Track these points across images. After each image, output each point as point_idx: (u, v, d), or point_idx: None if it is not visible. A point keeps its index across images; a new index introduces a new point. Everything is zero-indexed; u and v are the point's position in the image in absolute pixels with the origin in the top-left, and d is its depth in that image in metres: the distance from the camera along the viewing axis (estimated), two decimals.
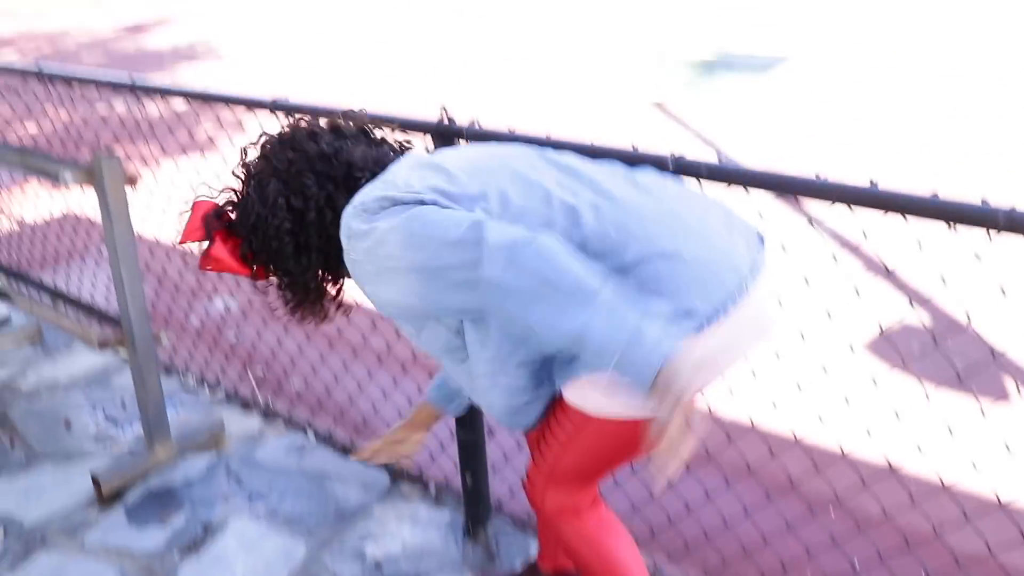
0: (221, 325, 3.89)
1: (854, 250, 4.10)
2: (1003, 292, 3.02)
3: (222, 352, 3.61)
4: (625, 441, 1.55)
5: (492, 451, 2.47)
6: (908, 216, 1.54)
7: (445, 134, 2.07)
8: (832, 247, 4.15)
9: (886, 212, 1.56)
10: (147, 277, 4.31)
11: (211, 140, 6.62)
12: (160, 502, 2.71)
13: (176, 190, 5.11)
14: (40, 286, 3.12)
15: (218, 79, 8.89)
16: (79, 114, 7.30)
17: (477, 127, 2.02)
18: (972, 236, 1.49)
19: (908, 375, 3.13)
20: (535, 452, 1.77)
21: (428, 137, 2.10)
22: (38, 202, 5.53)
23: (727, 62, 8.33)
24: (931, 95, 6.78)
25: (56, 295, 3.19)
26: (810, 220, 4.34)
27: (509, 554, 2.40)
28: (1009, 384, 3.08)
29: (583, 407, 1.53)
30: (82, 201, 5.38)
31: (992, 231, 1.46)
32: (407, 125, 1.99)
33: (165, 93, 2.77)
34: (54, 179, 2.56)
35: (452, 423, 2.38)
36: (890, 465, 2.31)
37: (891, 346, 3.29)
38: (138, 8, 14.49)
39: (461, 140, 2.05)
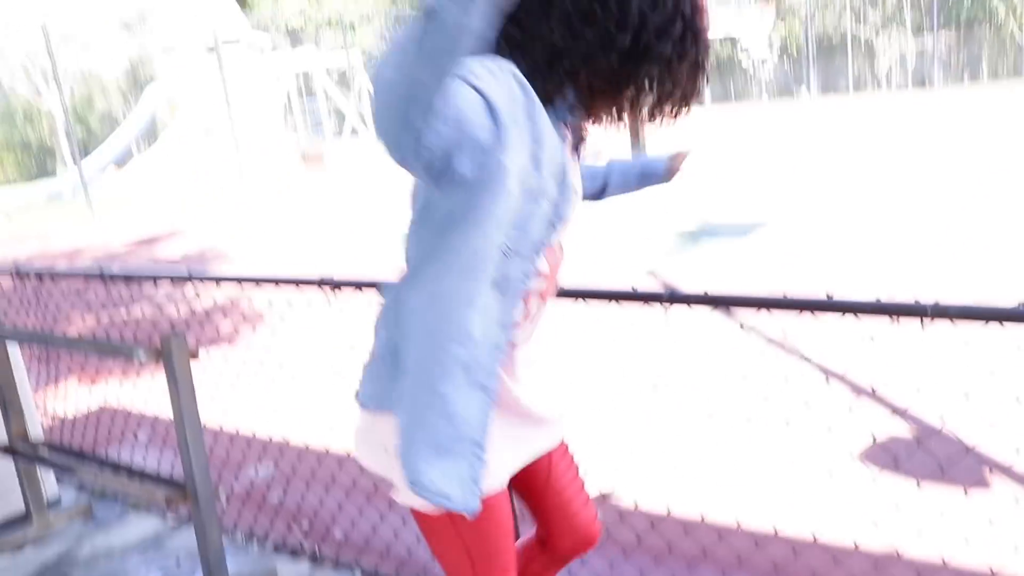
0: (264, 489, 4.16)
1: (841, 376, 4.45)
2: (967, 397, 3.36)
3: (267, 511, 3.86)
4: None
5: None
6: (860, 316, 1.92)
7: None
8: (822, 368, 4.51)
9: (847, 314, 1.94)
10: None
11: (257, 319, 7.05)
12: None
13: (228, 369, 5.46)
14: (102, 461, 3.41)
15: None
16: (135, 310, 7.80)
17: None
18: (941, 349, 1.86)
19: (900, 473, 3.42)
20: (581, 487, 1.88)
21: None
22: (88, 395, 5.87)
23: (709, 230, 8.94)
24: (902, 250, 7.33)
25: (117, 467, 3.47)
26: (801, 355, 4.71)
27: None
28: (985, 471, 3.37)
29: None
30: (119, 393, 5.72)
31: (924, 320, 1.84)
32: None
33: (220, 280, 3.18)
34: (129, 357, 2.92)
35: None
36: (897, 552, 2.57)
37: (882, 451, 3.59)
38: (143, 224, 15.31)
39: None
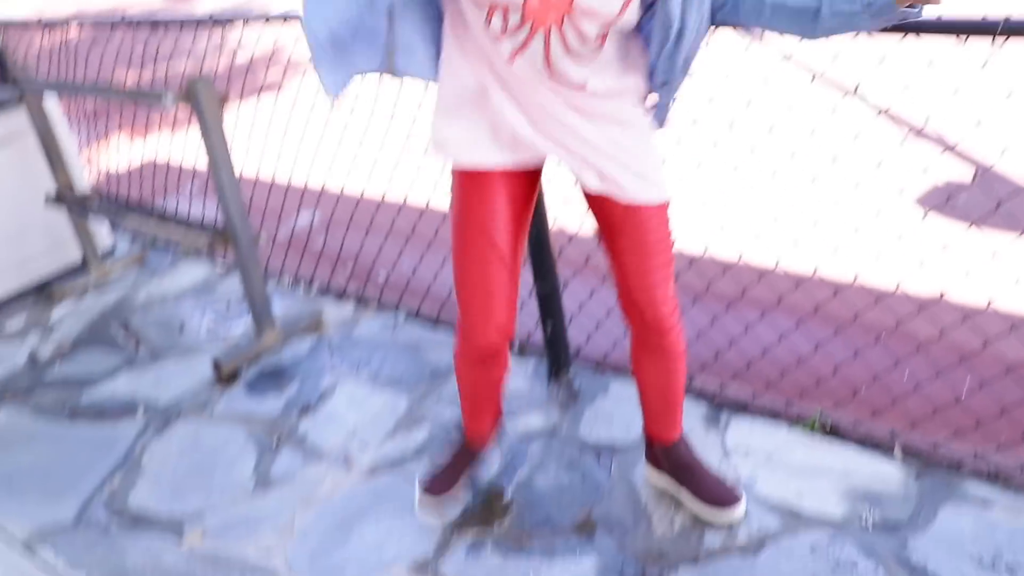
0: (310, 234, 4.21)
1: (891, 109, 4.23)
2: None
3: (311, 256, 3.92)
4: None
5: (567, 302, 2.73)
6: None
7: None
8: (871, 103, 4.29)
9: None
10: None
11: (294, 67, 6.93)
12: (273, 377, 3.03)
13: (258, 118, 5.42)
14: (146, 209, 3.44)
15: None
16: (171, 63, 7.71)
17: None
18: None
19: (950, 214, 3.29)
20: (659, 264, 1.84)
21: None
22: (132, 150, 5.92)
23: None
24: None
25: (162, 215, 3.50)
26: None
27: (589, 392, 2.67)
28: None
29: (662, 197, 1.79)
30: (165, 148, 5.74)
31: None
32: None
33: (248, 19, 3.03)
34: (157, 103, 2.85)
35: (530, 279, 2.64)
36: (942, 294, 2.49)
37: (935, 189, 3.45)
38: None
39: None
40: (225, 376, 3.05)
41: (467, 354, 2.05)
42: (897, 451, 2.19)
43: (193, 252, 4.09)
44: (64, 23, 3.63)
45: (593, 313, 2.97)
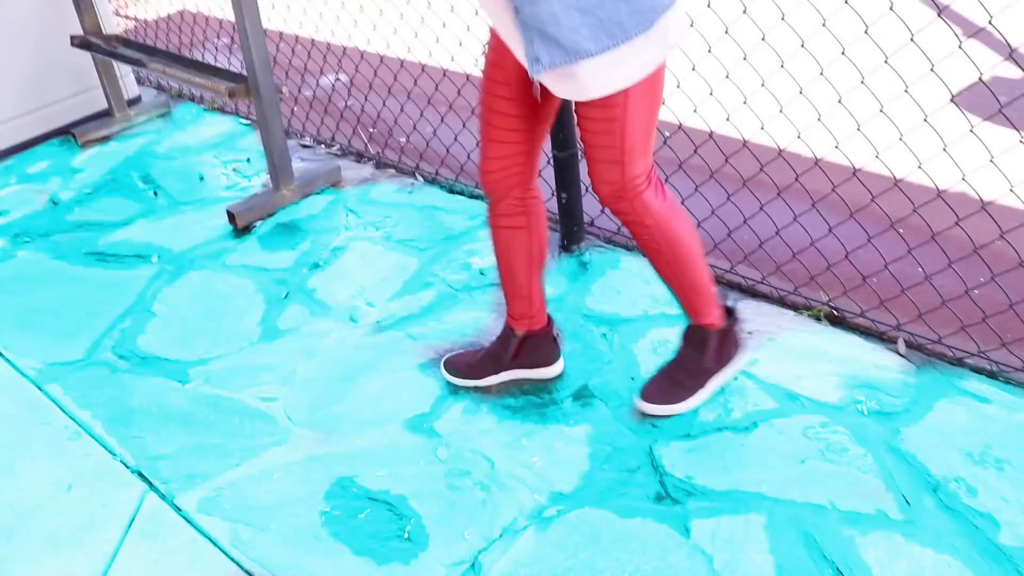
0: (331, 96, 4.15)
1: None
2: None
3: (334, 118, 3.87)
4: (660, 83, 1.73)
5: (584, 172, 2.67)
6: None
7: None
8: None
9: None
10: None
11: None
12: (287, 232, 3.03)
13: None
14: (170, 55, 3.39)
15: None
16: None
17: None
18: None
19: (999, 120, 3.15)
20: (599, 152, 1.81)
21: None
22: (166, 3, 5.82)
23: None
24: None
25: (186, 61, 3.45)
26: None
27: (599, 265, 2.65)
28: None
29: (633, 76, 1.67)
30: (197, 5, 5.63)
31: None
32: None
33: None
34: None
35: (548, 146, 2.58)
36: (982, 201, 2.39)
37: (986, 95, 3.29)
38: None
39: None
40: (240, 228, 3.06)
41: (489, 205, 2.06)
42: (900, 343, 2.16)
43: (217, 104, 4.06)
44: None
45: None
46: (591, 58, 1.60)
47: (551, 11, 1.56)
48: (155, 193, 3.39)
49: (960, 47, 2.17)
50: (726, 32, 2.49)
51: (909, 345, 2.15)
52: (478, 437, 2.10)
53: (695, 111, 2.80)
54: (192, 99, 4.17)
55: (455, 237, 2.87)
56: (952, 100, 2.53)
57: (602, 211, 2.84)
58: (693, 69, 2.72)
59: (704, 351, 2.03)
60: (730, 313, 2.05)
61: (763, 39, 2.41)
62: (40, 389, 2.47)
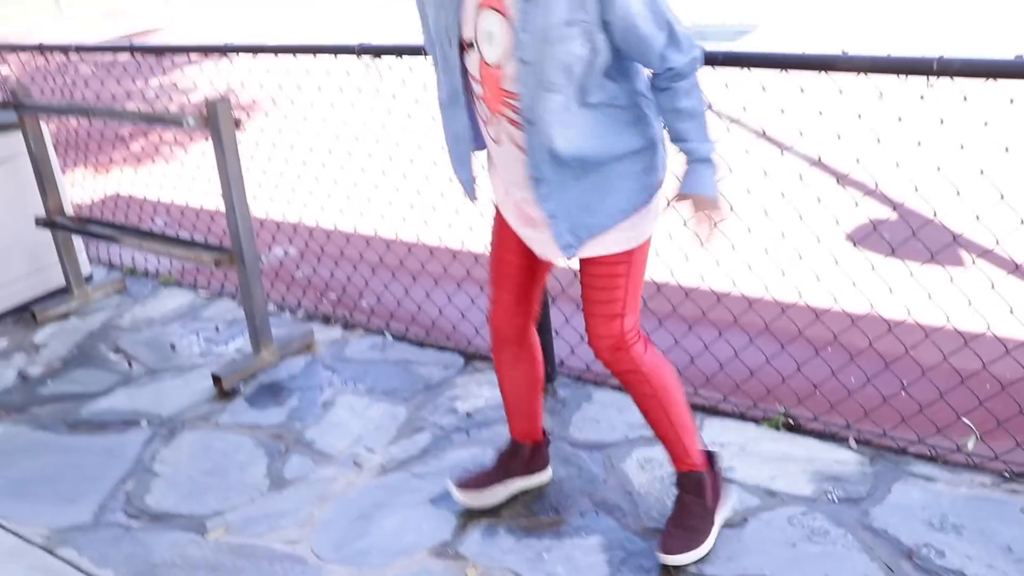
0: (288, 266, 4.42)
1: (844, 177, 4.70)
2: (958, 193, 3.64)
3: (297, 286, 4.12)
4: (647, 254, 2.11)
5: (553, 316, 3.02)
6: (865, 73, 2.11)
7: None
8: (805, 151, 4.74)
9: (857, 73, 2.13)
10: (214, 231, 4.82)
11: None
12: (272, 391, 3.24)
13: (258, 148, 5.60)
14: (142, 231, 3.60)
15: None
16: (167, 81, 7.79)
17: None
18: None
19: (874, 243, 3.72)
20: (601, 308, 2.13)
21: None
22: (113, 179, 6.01)
23: (699, 32, 8.95)
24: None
25: (161, 236, 3.67)
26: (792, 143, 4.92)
27: (574, 400, 2.96)
28: (947, 239, 3.69)
29: (635, 241, 2.04)
30: (141, 180, 5.86)
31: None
32: None
33: (257, 51, 3.29)
34: (179, 124, 3.07)
35: None
36: (872, 306, 2.89)
37: (862, 224, 3.89)
38: (118, 21, 14.86)
39: None
40: (226, 390, 3.24)
41: (492, 343, 2.36)
42: (851, 440, 2.55)
43: (172, 279, 4.26)
44: (67, 48, 3.81)
45: (578, 328, 3.28)
46: (610, 230, 1.98)
47: (584, 202, 1.94)
48: (129, 363, 3.54)
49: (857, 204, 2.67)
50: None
51: (859, 441, 2.53)
52: (502, 556, 2.32)
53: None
54: (146, 274, 4.36)
55: (435, 386, 3.14)
56: (854, 244, 3.04)
57: (572, 351, 3.19)
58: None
59: (703, 494, 2.27)
60: (711, 455, 2.35)
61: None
62: (52, 554, 2.55)
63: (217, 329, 3.75)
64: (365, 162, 4.25)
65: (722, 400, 2.83)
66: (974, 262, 3.55)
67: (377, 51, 2.89)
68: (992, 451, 2.44)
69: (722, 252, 3.19)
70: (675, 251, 3.51)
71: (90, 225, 3.78)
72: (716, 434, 2.69)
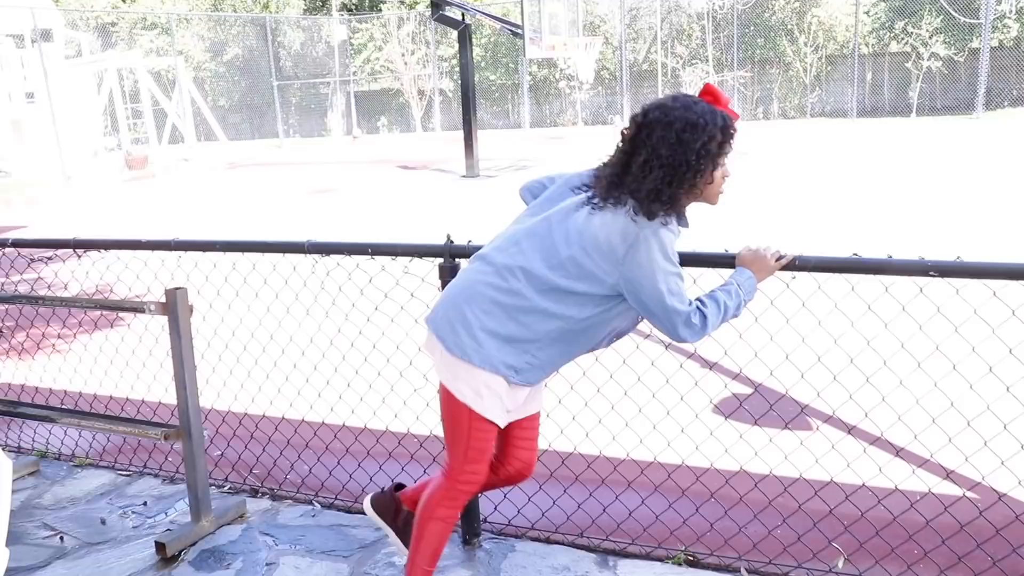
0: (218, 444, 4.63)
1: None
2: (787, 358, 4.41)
3: (226, 463, 4.36)
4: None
5: None
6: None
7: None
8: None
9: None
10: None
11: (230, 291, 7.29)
12: (216, 556, 3.46)
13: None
14: (83, 412, 3.81)
15: None
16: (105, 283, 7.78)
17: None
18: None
19: (741, 415, 4.38)
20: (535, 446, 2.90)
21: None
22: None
23: None
24: None
25: (104, 415, 3.89)
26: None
27: (499, 552, 3.35)
28: (797, 409, 4.40)
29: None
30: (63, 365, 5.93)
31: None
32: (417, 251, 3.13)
33: (207, 248, 3.72)
34: (141, 311, 3.43)
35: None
36: (742, 468, 3.47)
37: (731, 399, 4.57)
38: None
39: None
40: (169, 558, 3.44)
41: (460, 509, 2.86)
42: (743, 570, 3.05)
43: (89, 460, 4.41)
44: (18, 242, 4.10)
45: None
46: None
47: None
48: (61, 539, 3.66)
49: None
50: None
51: (750, 571, 3.04)
52: None
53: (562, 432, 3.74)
54: (58, 457, 4.48)
55: (371, 544, 3.46)
56: (725, 418, 3.66)
57: (495, 508, 3.60)
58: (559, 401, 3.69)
59: None
60: None
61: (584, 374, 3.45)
62: None
63: (145, 504, 3.93)
64: (299, 355, 4.59)
65: (631, 543, 3.30)
66: (818, 428, 4.25)
67: (325, 249, 3.39)
68: (857, 570, 3.01)
69: (628, 420, 3.80)
70: (591, 417, 4.07)
71: (22, 407, 3.97)
72: (629, 571, 3.13)
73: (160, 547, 3.44)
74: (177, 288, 3.46)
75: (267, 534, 3.60)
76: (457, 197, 13.61)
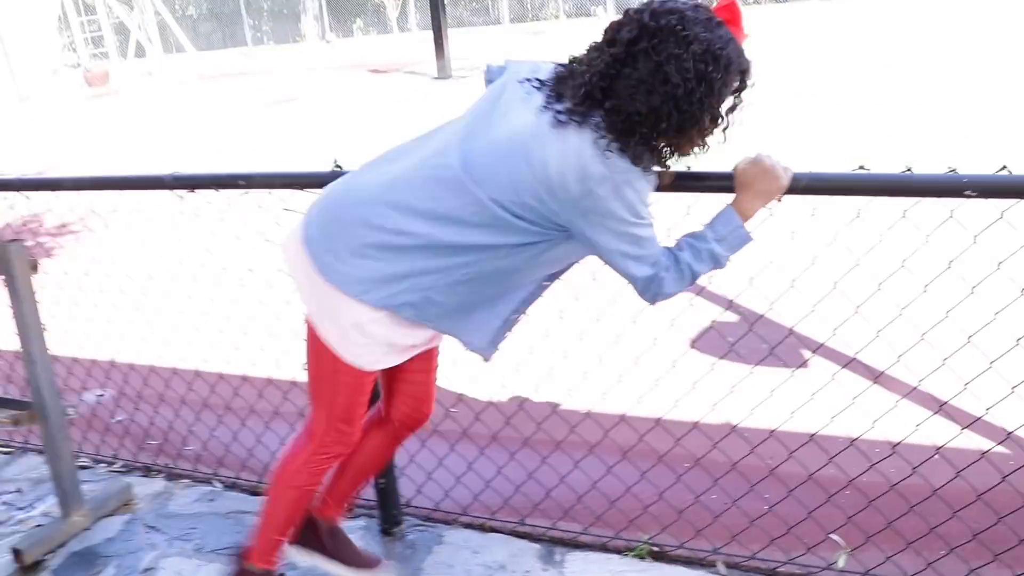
0: (100, 412, 4.02)
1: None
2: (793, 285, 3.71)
3: (112, 434, 3.74)
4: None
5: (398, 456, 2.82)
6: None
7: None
8: None
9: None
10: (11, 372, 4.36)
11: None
12: (86, 561, 2.85)
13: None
14: None
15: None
16: None
17: None
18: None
19: (735, 359, 3.74)
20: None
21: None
22: None
23: None
24: None
25: None
26: None
27: (424, 544, 2.75)
28: (805, 353, 3.76)
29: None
30: None
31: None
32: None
33: (55, 187, 3.01)
34: None
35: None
36: (731, 426, 2.84)
37: (719, 340, 3.91)
38: None
39: None
40: (28, 566, 2.84)
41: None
42: (720, 565, 2.44)
43: None
44: None
45: (425, 466, 3.07)
46: None
47: None
48: None
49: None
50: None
51: (728, 565, 2.43)
52: None
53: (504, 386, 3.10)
54: None
55: None
56: (692, 346, 3.01)
57: (418, 491, 2.98)
58: None
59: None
60: None
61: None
62: None
63: (20, 491, 3.32)
64: (185, 301, 3.95)
65: (581, 532, 2.68)
66: (835, 376, 3.60)
67: (192, 184, 2.69)
68: (863, 566, 2.39)
69: (587, 369, 3.11)
70: (541, 365, 3.41)
71: None
72: (579, 568, 2.53)
73: (17, 554, 2.84)
74: (11, 241, 2.77)
75: (153, 527, 3.00)
76: (423, 102, 12.69)
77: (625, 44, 1.73)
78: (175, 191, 2.74)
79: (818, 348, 3.71)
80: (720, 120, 1.81)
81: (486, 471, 3.00)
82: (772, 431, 2.73)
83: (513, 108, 1.88)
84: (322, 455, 2.24)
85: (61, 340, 4.65)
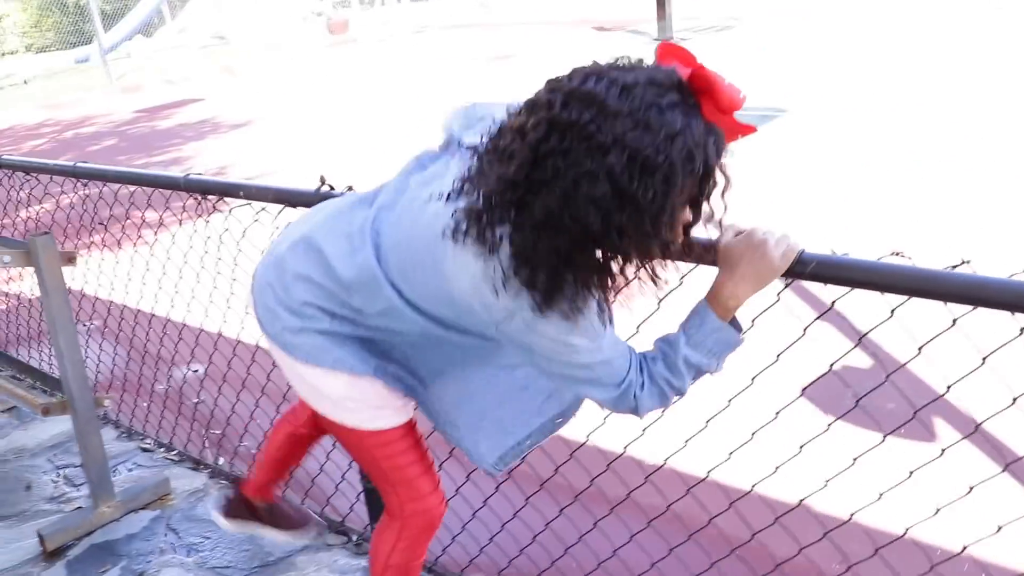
0: (186, 390, 4.06)
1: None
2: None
3: (184, 416, 3.77)
4: None
5: None
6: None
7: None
8: None
9: None
10: (118, 345, 4.52)
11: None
12: (101, 557, 2.86)
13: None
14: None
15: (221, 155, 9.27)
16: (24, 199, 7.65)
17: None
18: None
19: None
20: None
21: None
22: None
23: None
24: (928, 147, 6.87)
25: (13, 363, 3.39)
26: None
27: None
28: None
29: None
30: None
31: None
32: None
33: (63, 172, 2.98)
34: None
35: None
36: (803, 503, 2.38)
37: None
38: (161, 92, 15.14)
39: None
40: (50, 552, 2.88)
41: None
42: None
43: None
44: None
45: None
46: None
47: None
48: None
49: None
50: None
51: None
52: None
53: None
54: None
55: (271, 564, 2.73)
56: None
57: (444, 551, 2.74)
58: None
59: None
60: None
61: None
62: None
63: (83, 466, 3.40)
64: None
65: None
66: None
67: (203, 189, 2.55)
68: None
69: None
70: None
71: None
72: None
73: (41, 538, 2.88)
74: (42, 234, 2.77)
75: (173, 529, 2.96)
76: None
77: (533, 147, 1.31)
78: (191, 194, 2.62)
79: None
80: (672, 244, 1.39)
81: (529, 521, 2.71)
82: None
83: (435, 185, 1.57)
84: (408, 532, 2.00)
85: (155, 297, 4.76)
